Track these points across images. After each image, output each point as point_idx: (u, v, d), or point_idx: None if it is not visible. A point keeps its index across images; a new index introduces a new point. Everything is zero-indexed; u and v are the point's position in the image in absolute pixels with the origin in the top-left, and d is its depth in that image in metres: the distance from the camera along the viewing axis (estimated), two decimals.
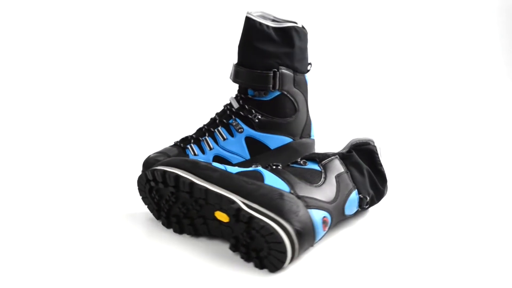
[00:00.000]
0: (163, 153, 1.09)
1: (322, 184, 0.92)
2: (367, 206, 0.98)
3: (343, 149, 1.03)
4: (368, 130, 1.48)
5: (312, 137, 1.16)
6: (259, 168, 0.93)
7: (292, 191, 0.88)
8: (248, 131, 1.10)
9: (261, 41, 1.08)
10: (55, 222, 1.02)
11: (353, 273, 0.86)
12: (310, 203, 0.88)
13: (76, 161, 1.30)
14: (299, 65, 1.11)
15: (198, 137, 1.12)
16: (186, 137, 1.13)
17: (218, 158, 1.10)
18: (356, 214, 0.99)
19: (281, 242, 0.82)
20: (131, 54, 1.78)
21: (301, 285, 0.83)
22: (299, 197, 0.88)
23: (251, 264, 0.86)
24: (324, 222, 0.88)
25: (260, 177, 0.90)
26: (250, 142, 1.11)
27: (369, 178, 0.99)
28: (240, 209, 0.84)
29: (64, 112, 1.59)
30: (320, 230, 0.87)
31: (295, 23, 1.10)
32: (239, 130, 1.10)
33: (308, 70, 1.13)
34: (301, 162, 0.96)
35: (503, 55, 1.89)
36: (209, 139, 1.11)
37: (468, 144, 1.42)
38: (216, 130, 1.11)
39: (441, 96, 1.75)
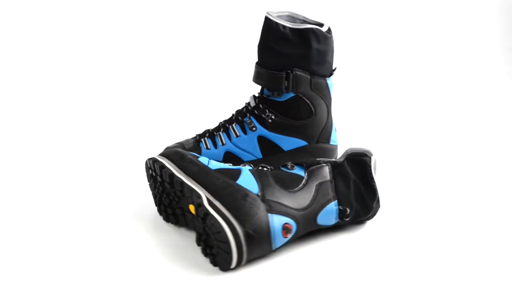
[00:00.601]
0: (180, 143, 1.13)
1: (298, 191, 0.91)
2: (347, 219, 0.94)
3: (340, 157, 0.99)
4: (368, 129, 1.49)
5: (332, 143, 1.14)
6: (244, 167, 0.94)
7: (259, 194, 0.89)
8: (261, 130, 1.10)
9: (276, 41, 1.06)
10: (57, 220, 1.03)
11: (350, 275, 0.86)
12: (274, 208, 0.88)
13: (80, 159, 1.31)
14: (317, 68, 1.08)
15: (213, 132, 1.13)
16: (206, 130, 1.15)
17: (229, 154, 1.11)
18: (340, 226, 0.96)
19: (226, 242, 0.83)
20: (148, 54, 1.80)
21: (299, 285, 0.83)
22: (264, 200, 0.88)
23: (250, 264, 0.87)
24: (285, 228, 0.87)
25: (236, 176, 0.90)
26: (263, 141, 1.11)
27: (356, 190, 0.95)
28: (200, 204, 0.87)
29: (71, 111, 1.59)
30: (279, 236, 0.87)
31: (321, 25, 1.07)
32: (252, 128, 1.11)
33: (331, 74, 1.11)
34: (289, 166, 0.95)
35: (503, 55, 1.89)
36: (223, 135, 1.12)
37: (468, 144, 1.43)
38: (231, 126, 1.12)
39: (441, 96, 1.75)
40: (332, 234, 0.96)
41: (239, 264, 0.85)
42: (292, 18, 1.10)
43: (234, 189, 0.88)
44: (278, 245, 0.88)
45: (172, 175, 0.91)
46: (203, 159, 0.94)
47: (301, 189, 0.91)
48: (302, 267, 0.88)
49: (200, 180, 0.90)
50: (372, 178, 0.95)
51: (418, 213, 1.05)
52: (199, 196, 0.87)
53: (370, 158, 0.96)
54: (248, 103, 1.13)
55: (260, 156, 1.11)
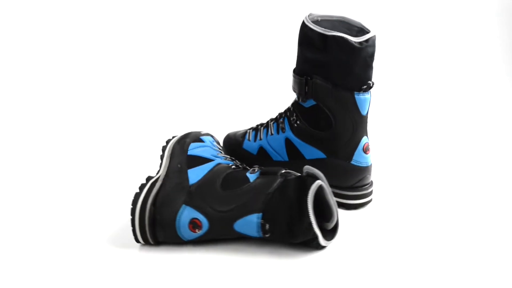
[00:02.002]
0: (237, 131, 1.21)
1: (230, 193, 0.92)
2: (268, 235, 0.89)
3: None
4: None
5: (354, 163, 1.05)
6: (218, 160, 0.98)
7: (192, 185, 0.93)
8: (289, 133, 1.09)
9: (303, 44, 1.03)
10: (56, 219, 1.03)
11: (350, 275, 0.86)
12: (192, 201, 0.91)
13: (80, 159, 1.31)
14: (340, 79, 1.00)
15: (259, 126, 1.15)
16: (261, 124, 1.16)
17: (262, 150, 1.12)
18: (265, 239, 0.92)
19: (133, 217, 0.91)
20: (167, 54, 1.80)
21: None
22: (190, 192, 0.92)
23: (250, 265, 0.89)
24: (193, 223, 0.90)
25: (196, 164, 0.96)
26: (289, 144, 1.09)
27: (288, 211, 0.88)
28: (153, 180, 0.94)
29: (71, 111, 1.59)
30: (184, 228, 0.90)
31: (366, 31, 1.00)
32: (282, 129, 1.10)
33: (363, 90, 1.01)
34: (254, 168, 0.96)
35: (503, 55, 1.89)
36: (263, 130, 1.13)
37: (467, 144, 1.43)
38: (271, 123, 1.13)
39: (441, 96, 1.75)
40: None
41: (146, 241, 0.91)
42: (346, 24, 1.03)
43: (178, 175, 0.94)
44: (187, 237, 0.91)
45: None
46: (199, 142, 1.01)
47: (235, 192, 0.91)
48: (302, 267, 0.88)
49: (170, 160, 0.97)
50: (305, 203, 0.87)
51: (418, 213, 1.05)
52: (158, 173, 0.96)
53: (312, 183, 0.88)
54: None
55: (286, 158, 1.10)
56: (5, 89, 1.63)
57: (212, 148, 1.03)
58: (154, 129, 1.48)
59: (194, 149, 0.99)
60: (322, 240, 0.89)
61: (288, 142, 1.09)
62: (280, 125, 1.10)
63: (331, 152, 1.05)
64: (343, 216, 1.02)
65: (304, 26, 1.01)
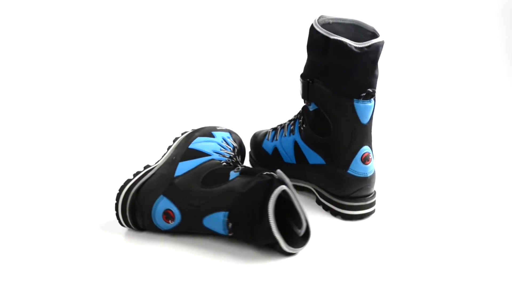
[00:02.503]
0: (261, 130, 1.21)
1: (208, 189, 0.93)
2: (231, 234, 0.91)
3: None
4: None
5: (351, 172, 1.01)
6: (214, 156, 1.00)
7: (175, 177, 0.96)
8: (297, 136, 1.09)
9: (309, 46, 1.01)
10: (55, 219, 1.04)
11: (349, 275, 0.86)
12: (171, 193, 0.95)
13: (80, 159, 1.32)
14: (338, 85, 0.97)
15: (278, 126, 1.15)
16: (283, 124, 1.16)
17: (276, 151, 1.13)
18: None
19: (117, 201, 0.96)
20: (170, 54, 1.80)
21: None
22: (171, 183, 0.95)
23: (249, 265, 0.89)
24: (166, 213, 0.94)
25: (189, 158, 0.99)
26: (296, 147, 1.09)
27: (251, 212, 0.88)
28: (148, 169, 1.00)
29: (71, 111, 1.59)
30: (159, 217, 0.94)
31: (375, 36, 0.96)
32: (292, 131, 1.10)
33: (362, 97, 0.97)
34: (237, 167, 0.96)
35: (503, 55, 1.89)
36: (280, 131, 1.13)
37: (467, 144, 1.43)
38: (287, 124, 1.13)
39: (440, 96, 1.75)
40: (332, 234, 0.98)
41: (128, 226, 0.97)
42: (359, 28, 0.99)
43: (168, 167, 0.98)
44: (162, 226, 0.95)
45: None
46: (208, 137, 1.04)
47: (212, 189, 0.93)
48: (303, 267, 0.89)
49: (172, 152, 1.02)
50: (266, 207, 0.87)
51: (418, 214, 1.05)
52: (156, 163, 1.01)
53: (277, 187, 0.88)
54: None
55: (294, 161, 1.09)
56: (5, 89, 1.62)
57: (219, 144, 1.03)
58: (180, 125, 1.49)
59: (197, 143, 1.01)
60: (284, 246, 0.88)
61: (296, 145, 1.09)
62: (291, 127, 1.10)
63: (329, 159, 1.03)
64: (340, 226, 1.01)
65: (311, 28, 0.99)
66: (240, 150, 1.09)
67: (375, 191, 1.05)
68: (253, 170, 0.94)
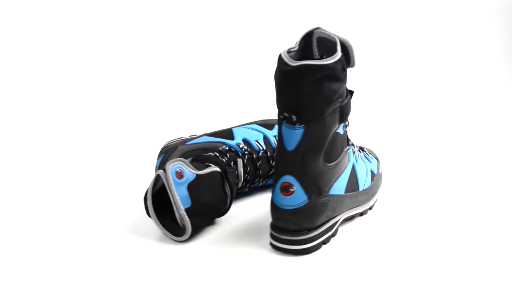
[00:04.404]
0: None
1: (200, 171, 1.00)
2: None
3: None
4: (368, 130, 1.49)
5: (274, 200, 0.94)
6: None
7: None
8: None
9: None
10: (55, 218, 1.03)
11: (349, 275, 0.86)
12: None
13: (79, 158, 1.32)
14: (276, 100, 0.93)
15: None
16: None
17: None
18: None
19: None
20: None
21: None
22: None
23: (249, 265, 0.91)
24: (178, 172, 0.96)
25: (215, 135, 1.11)
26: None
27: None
28: None
29: (70, 110, 1.60)
30: (174, 176, 0.96)
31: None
32: None
33: (282, 119, 0.91)
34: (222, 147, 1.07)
35: (503, 55, 1.89)
36: None
37: (467, 144, 1.43)
38: None
39: (440, 96, 1.75)
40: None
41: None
42: (327, 38, 0.93)
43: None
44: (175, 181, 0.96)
45: None
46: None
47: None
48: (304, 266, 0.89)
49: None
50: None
51: (417, 214, 1.05)
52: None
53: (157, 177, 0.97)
54: None
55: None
56: (5, 90, 1.62)
57: None
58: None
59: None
60: (167, 233, 0.98)
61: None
62: None
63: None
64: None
65: None
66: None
67: (306, 231, 0.93)
68: (201, 157, 1.04)
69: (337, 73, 0.87)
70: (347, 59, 0.90)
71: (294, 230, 0.92)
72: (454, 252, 0.92)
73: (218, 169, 1.01)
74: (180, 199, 0.94)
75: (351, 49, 0.90)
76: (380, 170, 1.10)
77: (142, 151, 1.32)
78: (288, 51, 0.89)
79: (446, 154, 1.36)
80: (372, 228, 1.01)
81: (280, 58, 0.88)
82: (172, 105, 1.64)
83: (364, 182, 1.03)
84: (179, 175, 0.96)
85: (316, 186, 0.91)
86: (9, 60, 1.68)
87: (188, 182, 0.97)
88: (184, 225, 0.96)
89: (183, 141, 1.12)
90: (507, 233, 0.98)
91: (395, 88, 1.77)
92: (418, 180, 1.20)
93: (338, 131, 0.92)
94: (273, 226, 0.94)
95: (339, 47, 0.88)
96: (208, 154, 1.06)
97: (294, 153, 0.90)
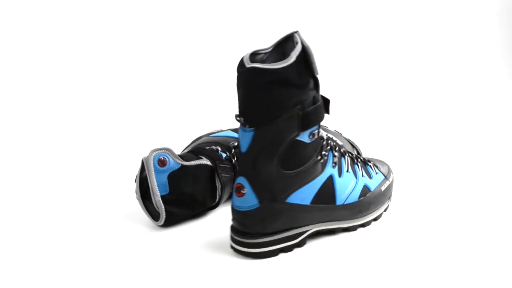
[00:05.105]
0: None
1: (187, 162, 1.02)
2: None
3: None
4: (367, 130, 1.49)
5: (232, 203, 0.94)
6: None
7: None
8: None
9: None
10: (54, 218, 1.04)
11: (349, 276, 0.86)
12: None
13: (79, 158, 1.32)
14: None
15: None
16: None
17: None
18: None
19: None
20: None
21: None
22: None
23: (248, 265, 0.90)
24: (160, 160, 0.99)
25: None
26: None
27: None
28: None
29: (70, 110, 1.60)
30: (155, 163, 0.99)
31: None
32: None
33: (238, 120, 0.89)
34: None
35: (503, 55, 1.89)
36: None
37: (467, 144, 1.43)
38: None
39: (440, 96, 1.75)
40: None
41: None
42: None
43: None
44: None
45: None
46: None
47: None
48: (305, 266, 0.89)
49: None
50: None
51: (418, 214, 1.05)
52: None
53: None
54: None
55: None
56: (5, 90, 1.62)
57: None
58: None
59: None
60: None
61: None
62: None
63: None
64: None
65: None
66: None
67: (259, 235, 0.91)
68: (197, 149, 1.05)
69: (291, 78, 0.84)
70: (308, 66, 0.86)
71: (246, 233, 0.91)
72: (453, 254, 0.92)
73: (208, 163, 1.02)
74: (157, 185, 0.98)
75: (311, 56, 0.85)
76: (383, 188, 1.02)
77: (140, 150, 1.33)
78: (257, 53, 0.88)
79: (444, 153, 1.36)
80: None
81: (241, 59, 0.86)
82: (169, 105, 1.64)
83: (346, 196, 0.96)
84: (162, 163, 0.99)
85: (268, 192, 0.89)
86: (7, 58, 1.68)
87: (170, 171, 0.99)
88: (159, 211, 0.99)
89: (209, 134, 1.15)
90: (506, 232, 0.98)
91: (394, 88, 1.77)
92: (418, 180, 1.19)
93: (299, 139, 0.88)
94: (231, 227, 0.94)
95: (295, 53, 0.84)
96: (209, 147, 1.06)
97: (246, 155, 0.88)
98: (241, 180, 0.90)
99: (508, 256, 0.92)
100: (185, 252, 0.94)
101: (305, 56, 0.85)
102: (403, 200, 1.11)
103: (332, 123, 1.17)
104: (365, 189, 0.99)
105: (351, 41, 1.87)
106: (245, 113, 0.87)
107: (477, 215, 1.06)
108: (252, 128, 0.87)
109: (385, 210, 1.04)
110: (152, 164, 0.98)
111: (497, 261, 0.90)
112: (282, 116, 0.86)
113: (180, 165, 1.00)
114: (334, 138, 1.08)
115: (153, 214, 1.01)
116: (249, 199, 0.89)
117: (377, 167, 1.04)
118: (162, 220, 1.00)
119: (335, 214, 0.95)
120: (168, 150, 1.00)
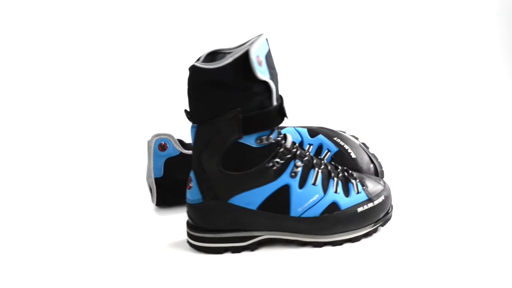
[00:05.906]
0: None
1: (186, 150, 1.05)
2: None
3: None
4: (367, 130, 1.49)
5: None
6: None
7: None
8: None
9: None
10: (54, 217, 1.04)
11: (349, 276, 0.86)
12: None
13: (78, 158, 1.32)
14: None
15: None
16: None
17: None
18: None
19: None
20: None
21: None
22: None
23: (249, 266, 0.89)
24: (161, 145, 1.05)
25: None
26: None
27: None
28: None
29: (69, 110, 1.60)
30: (156, 147, 1.05)
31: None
32: None
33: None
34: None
35: (503, 55, 1.89)
36: None
37: (468, 144, 1.43)
38: None
39: (440, 96, 1.75)
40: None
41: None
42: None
43: None
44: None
45: None
46: None
47: None
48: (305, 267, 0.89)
49: None
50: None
51: (418, 214, 1.05)
52: None
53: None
54: None
55: None
56: (5, 90, 1.63)
57: None
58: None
59: None
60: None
61: None
62: None
63: None
64: None
65: None
66: None
67: (204, 230, 0.92)
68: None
69: (227, 81, 0.84)
70: (248, 71, 0.83)
71: (192, 226, 0.92)
72: (454, 255, 0.92)
73: None
74: (154, 168, 1.04)
75: (252, 62, 0.83)
76: (361, 209, 0.93)
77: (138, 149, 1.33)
78: (219, 52, 0.88)
79: (444, 154, 1.36)
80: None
81: (199, 57, 0.88)
82: (168, 105, 1.64)
83: (304, 209, 0.90)
84: (162, 147, 1.04)
85: (210, 190, 0.89)
86: (6, 60, 1.68)
87: (168, 156, 1.04)
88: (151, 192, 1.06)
89: None
90: (506, 232, 0.98)
91: (394, 88, 1.77)
92: (418, 180, 1.19)
93: (244, 142, 0.87)
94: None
95: (232, 56, 0.83)
96: None
97: (193, 150, 0.90)
98: (191, 173, 0.92)
99: (509, 261, 0.92)
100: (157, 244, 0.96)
101: (246, 60, 0.83)
102: (402, 204, 1.11)
103: (359, 133, 1.17)
104: (333, 206, 0.92)
105: (351, 41, 1.87)
106: (190, 109, 0.89)
107: (477, 215, 1.06)
108: (196, 125, 0.88)
109: (366, 235, 0.94)
110: (152, 148, 1.04)
111: (497, 268, 0.90)
112: (220, 116, 0.86)
113: (179, 152, 1.04)
114: (346, 147, 1.07)
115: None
116: (194, 193, 0.91)
117: (364, 186, 0.95)
118: (154, 201, 1.07)
119: (289, 225, 0.91)
120: (170, 136, 1.04)
